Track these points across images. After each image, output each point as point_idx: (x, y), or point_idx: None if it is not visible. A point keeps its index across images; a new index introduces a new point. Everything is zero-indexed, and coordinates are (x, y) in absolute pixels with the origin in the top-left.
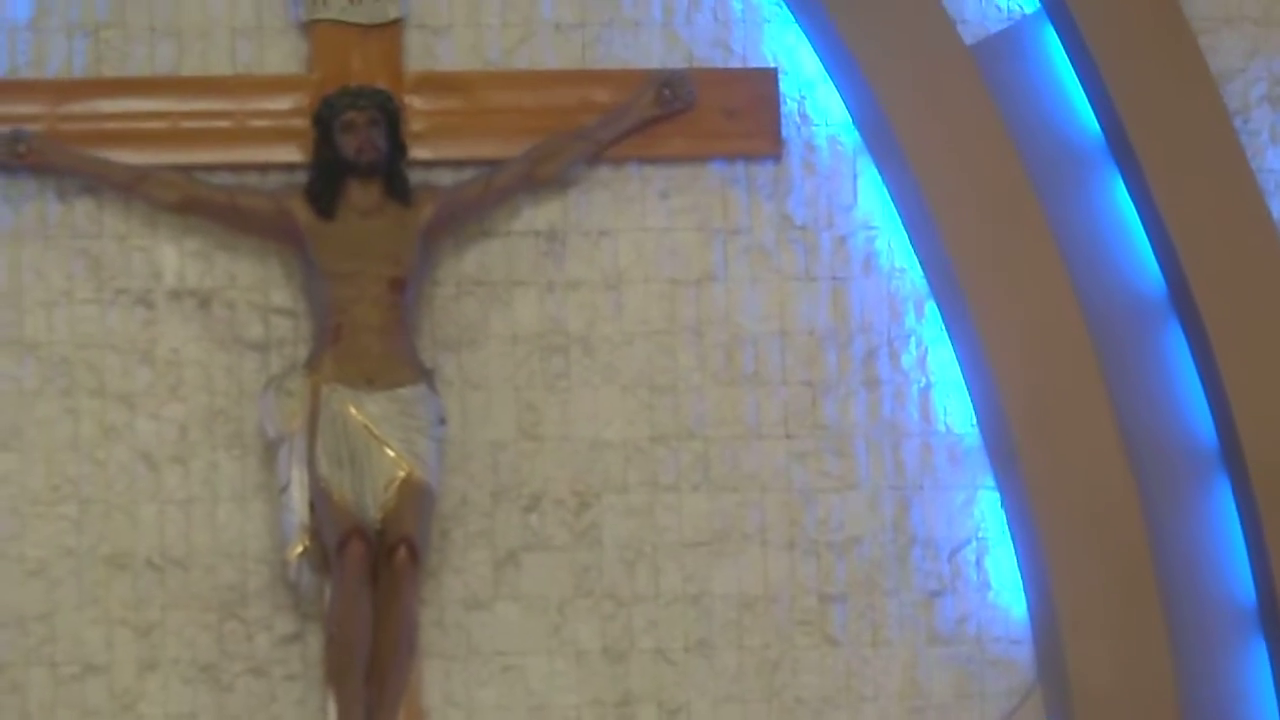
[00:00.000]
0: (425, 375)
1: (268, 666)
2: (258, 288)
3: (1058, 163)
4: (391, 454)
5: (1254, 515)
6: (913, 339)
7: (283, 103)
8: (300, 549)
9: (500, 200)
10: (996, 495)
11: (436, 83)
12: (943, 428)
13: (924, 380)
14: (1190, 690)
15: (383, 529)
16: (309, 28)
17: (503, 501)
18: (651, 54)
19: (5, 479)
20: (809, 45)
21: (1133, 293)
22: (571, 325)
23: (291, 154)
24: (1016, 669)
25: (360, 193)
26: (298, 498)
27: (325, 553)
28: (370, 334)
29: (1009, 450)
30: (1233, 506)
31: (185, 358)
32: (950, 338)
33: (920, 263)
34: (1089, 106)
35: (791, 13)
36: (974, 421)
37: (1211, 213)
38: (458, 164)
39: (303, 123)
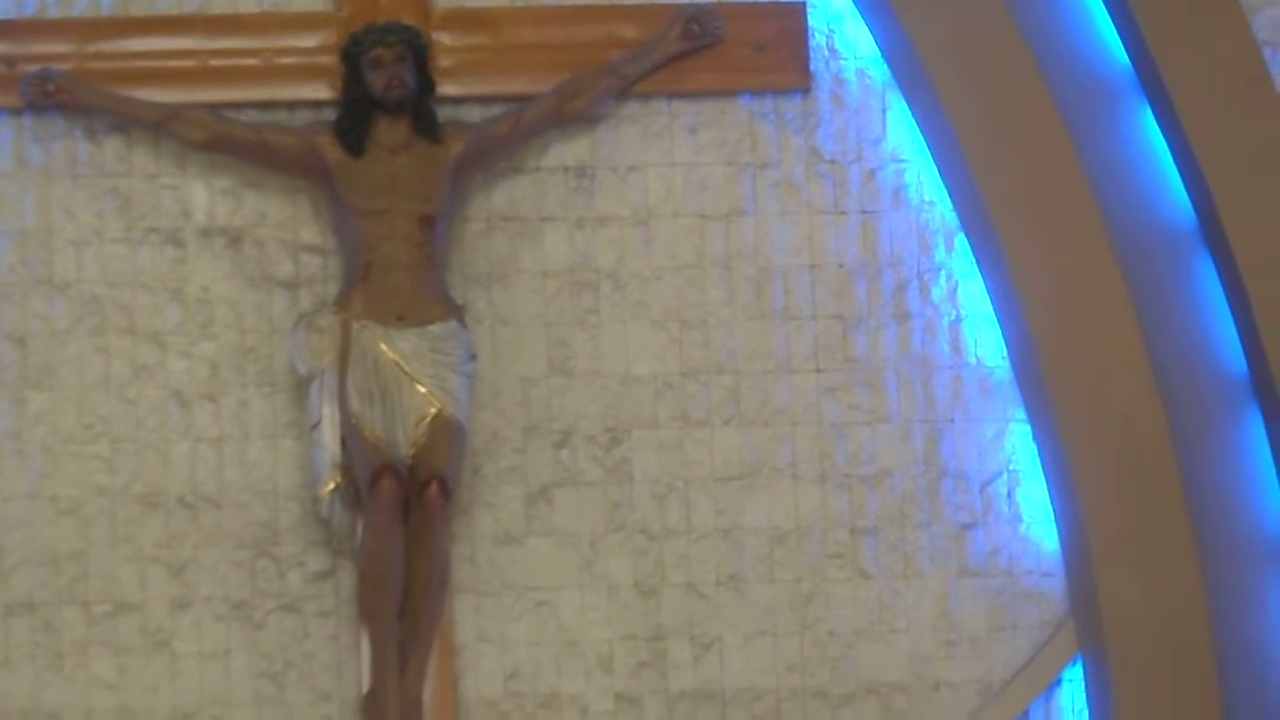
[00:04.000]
0: (455, 311)
1: (300, 603)
2: (287, 225)
3: (1087, 94)
4: (422, 390)
5: None
6: (943, 272)
7: (310, 40)
8: (332, 486)
9: (529, 136)
10: (1028, 427)
11: (464, 18)
12: (973, 360)
13: (954, 313)
14: (1222, 620)
15: (414, 465)
16: None
17: (534, 437)
18: None
19: (38, 418)
20: None
21: (1162, 223)
22: (601, 260)
23: (320, 91)
24: (1048, 601)
25: (389, 129)
26: (329, 434)
27: (357, 489)
28: (400, 271)
29: (1040, 382)
30: (1263, 437)
31: (215, 296)
32: (980, 270)
33: (950, 195)
34: (1118, 37)
35: None
36: (1005, 354)
37: (1241, 143)
38: (486, 100)
39: (331, 60)
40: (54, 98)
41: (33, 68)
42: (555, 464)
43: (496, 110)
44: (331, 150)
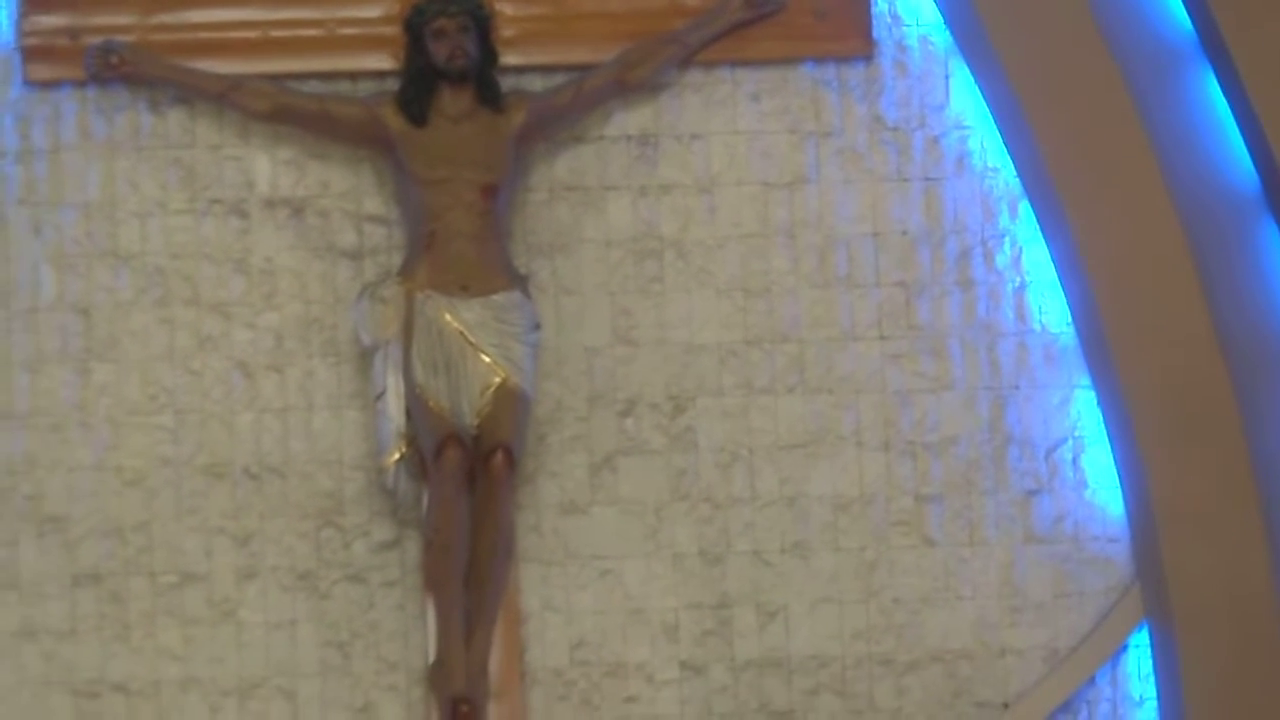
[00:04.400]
0: (519, 281)
1: (366, 573)
2: (351, 195)
3: (1150, 60)
4: (487, 360)
5: None
6: (1007, 239)
7: (373, 10)
8: (397, 455)
9: (591, 105)
10: (1092, 394)
11: None
12: (1038, 327)
13: (1018, 280)
14: None
15: (479, 435)
16: None
17: (598, 406)
18: None
19: (102, 389)
20: None
21: (1226, 189)
22: (664, 229)
23: (382, 61)
24: (1114, 567)
25: (452, 99)
26: (394, 405)
27: (422, 459)
28: (464, 240)
29: (1104, 349)
30: None
31: (279, 266)
32: (1044, 237)
33: (1013, 162)
34: (1181, 2)
35: None
36: (1069, 321)
37: None
38: (548, 70)
39: (393, 30)
40: (117, 70)
41: (96, 40)
42: (620, 433)
43: (559, 80)
44: (394, 120)
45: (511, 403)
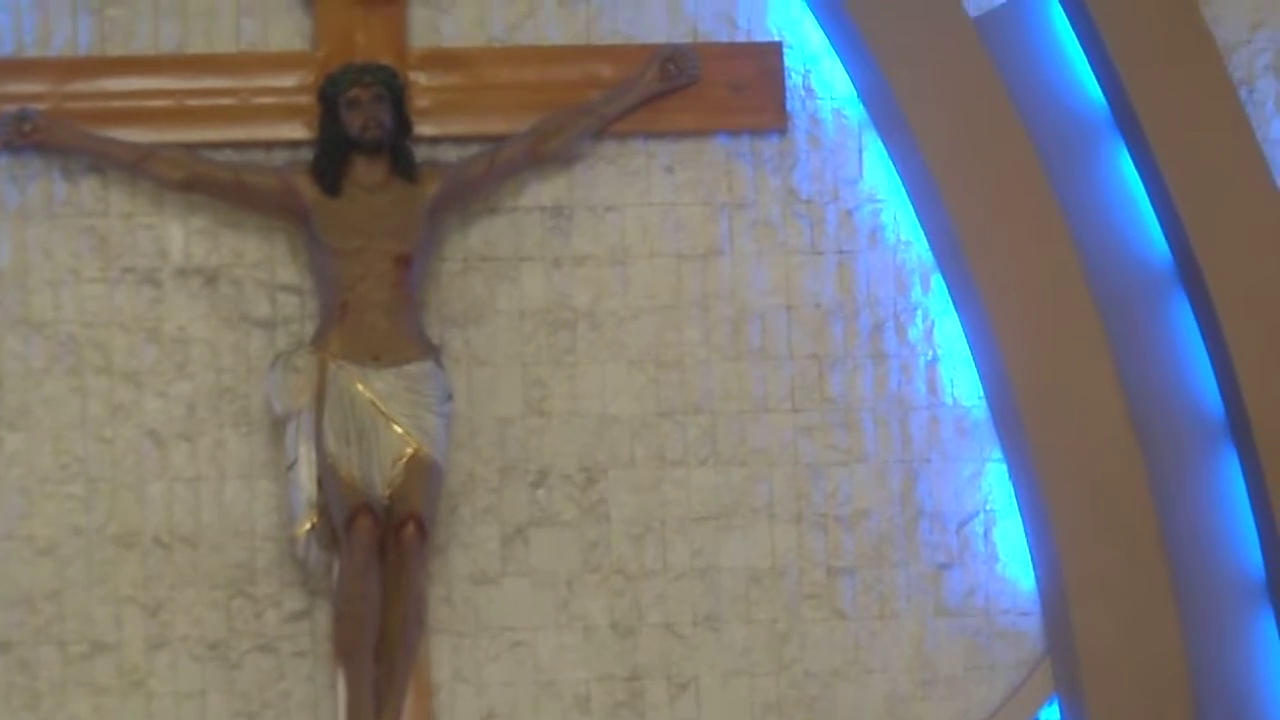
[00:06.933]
0: (432, 351)
1: (276, 643)
2: (264, 265)
3: (1063, 135)
4: (399, 430)
5: (1261, 486)
6: (919, 312)
7: (287, 80)
8: (308, 526)
9: (505, 176)
10: (1004, 467)
11: (441, 59)
12: (950, 400)
13: (931, 353)
14: (1199, 660)
15: (390, 505)
16: (313, 4)
17: (510, 477)
18: (656, 28)
19: (13, 459)
20: (813, 19)
21: (1138, 264)
22: (578, 300)
23: (296, 131)
24: (1025, 640)
25: (366, 169)
26: (305, 474)
27: (333, 529)
28: (377, 310)
29: (1016, 422)
30: (1240, 477)
31: (192, 335)
32: (956, 310)
33: (926, 235)
34: (1093, 78)
35: None
36: (981, 394)
37: (1217, 184)
38: (462, 140)
39: (308, 99)
40: (30, 137)
41: (9, 107)
42: (532, 504)
43: (473, 150)
44: (308, 190)
45: (423, 473)
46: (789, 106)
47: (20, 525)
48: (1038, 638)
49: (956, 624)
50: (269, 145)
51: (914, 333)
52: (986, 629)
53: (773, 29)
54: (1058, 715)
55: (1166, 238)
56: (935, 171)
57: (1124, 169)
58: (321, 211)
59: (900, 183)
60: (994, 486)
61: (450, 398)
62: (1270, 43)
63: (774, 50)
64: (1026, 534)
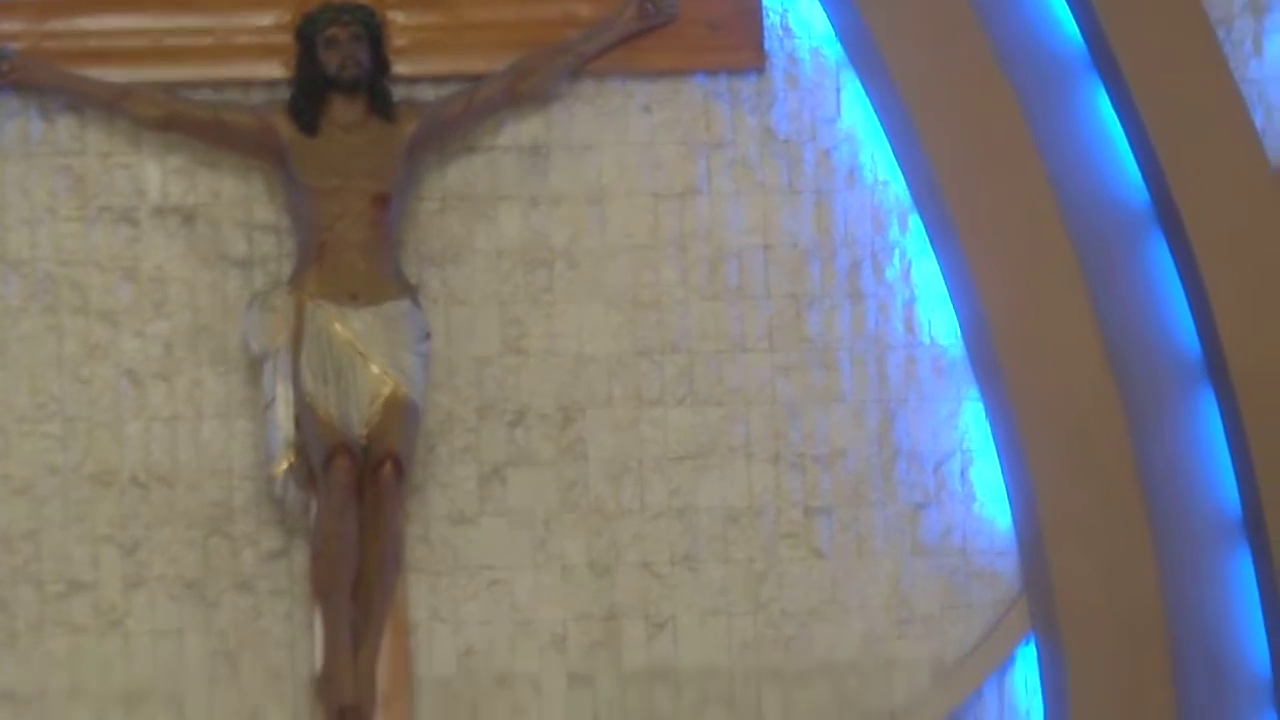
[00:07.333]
0: (409, 291)
1: (253, 582)
2: (241, 204)
3: (1040, 74)
4: (376, 370)
5: (1237, 425)
6: (896, 251)
7: (265, 18)
8: (285, 465)
9: (483, 115)
10: (981, 407)
11: None
12: (927, 340)
13: (908, 293)
14: (1175, 598)
15: (368, 445)
16: None
17: (488, 417)
18: None
19: None
20: None
21: (1116, 203)
22: (555, 239)
23: (274, 70)
24: (1001, 580)
25: (343, 108)
26: (283, 414)
27: (311, 469)
28: (354, 250)
29: (993, 362)
30: (1217, 416)
31: (169, 274)
32: (934, 250)
33: (903, 175)
34: (1071, 17)
35: None
36: (958, 333)
37: (1195, 124)
38: (440, 79)
39: (285, 38)
40: (7, 77)
41: None
42: (509, 443)
43: (451, 89)
44: (286, 129)
45: (401, 413)
46: (767, 46)
47: None
48: (1014, 577)
49: (933, 563)
50: (246, 84)
51: (891, 272)
52: (963, 568)
53: None
54: (1034, 653)
55: (1144, 177)
56: (913, 111)
57: (1102, 109)
58: (299, 151)
59: (878, 122)
60: (971, 426)
61: (428, 337)
62: None
63: None
64: (1003, 473)
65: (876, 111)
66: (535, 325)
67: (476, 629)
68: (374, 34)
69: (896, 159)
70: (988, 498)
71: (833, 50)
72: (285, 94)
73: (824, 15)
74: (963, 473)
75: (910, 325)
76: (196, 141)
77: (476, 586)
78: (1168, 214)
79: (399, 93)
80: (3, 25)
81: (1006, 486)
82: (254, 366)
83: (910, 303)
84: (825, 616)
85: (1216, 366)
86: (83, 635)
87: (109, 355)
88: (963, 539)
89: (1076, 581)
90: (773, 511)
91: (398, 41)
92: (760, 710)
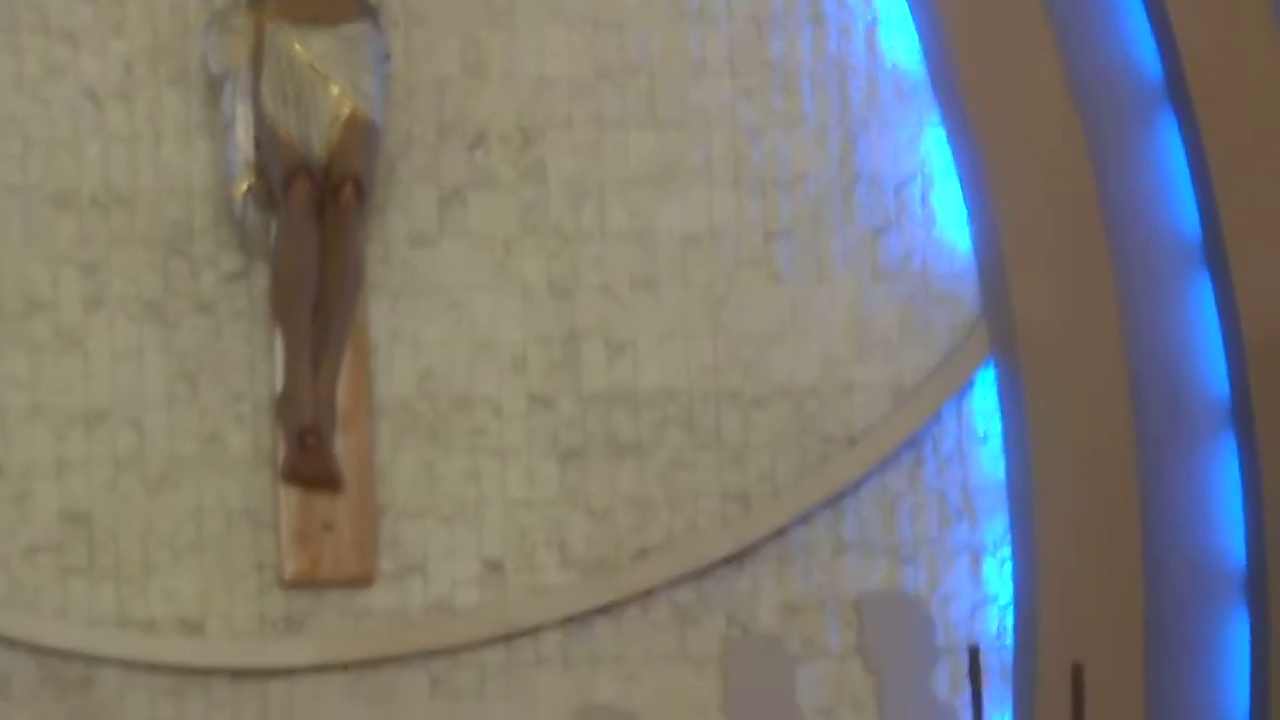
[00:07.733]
0: (369, 12)
1: (214, 303)
2: None
3: None
4: (336, 91)
5: (1198, 147)
6: None
7: None
8: (246, 186)
9: None
10: (942, 131)
11: None
12: (889, 64)
13: (870, 16)
14: (1133, 322)
15: (328, 166)
16: None
17: (448, 137)
18: None
19: None
20: None
21: None
22: None
23: None
24: (961, 304)
25: None
26: (242, 135)
27: (271, 190)
28: None
29: (955, 85)
30: (1178, 142)
31: None
32: None
33: None
34: None
35: None
36: (920, 57)
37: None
38: None
39: None
40: None
41: None
42: (469, 165)
43: None
44: None
45: (361, 133)
46: None
47: None
48: (974, 301)
49: (893, 287)
50: None
51: None
52: (923, 292)
53: None
54: (993, 378)
55: None
56: None
57: None
58: None
59: None
60: (932, 150)
61: (388, 58)
62: None
63: None
64: (964, 197)
65: None
66: (495, 47)
67: (437, 350)
68: None
69: None
70: (948, 221)
71: None
72: None
73: None
74: (923, 196)
75: (872, 48)
76: None
77: (436, 308)
78: None
79: None
80: None
81: (967, 210)
82: (214, 87)
83: (872, 25)
84: (784, 340)
85: (1178, 89)
86: (42, 355)
87: (69, 75)
88: (923, 263)
89: (1036, 305)
90: (733, 235)
91: None
92: (719, 433)
